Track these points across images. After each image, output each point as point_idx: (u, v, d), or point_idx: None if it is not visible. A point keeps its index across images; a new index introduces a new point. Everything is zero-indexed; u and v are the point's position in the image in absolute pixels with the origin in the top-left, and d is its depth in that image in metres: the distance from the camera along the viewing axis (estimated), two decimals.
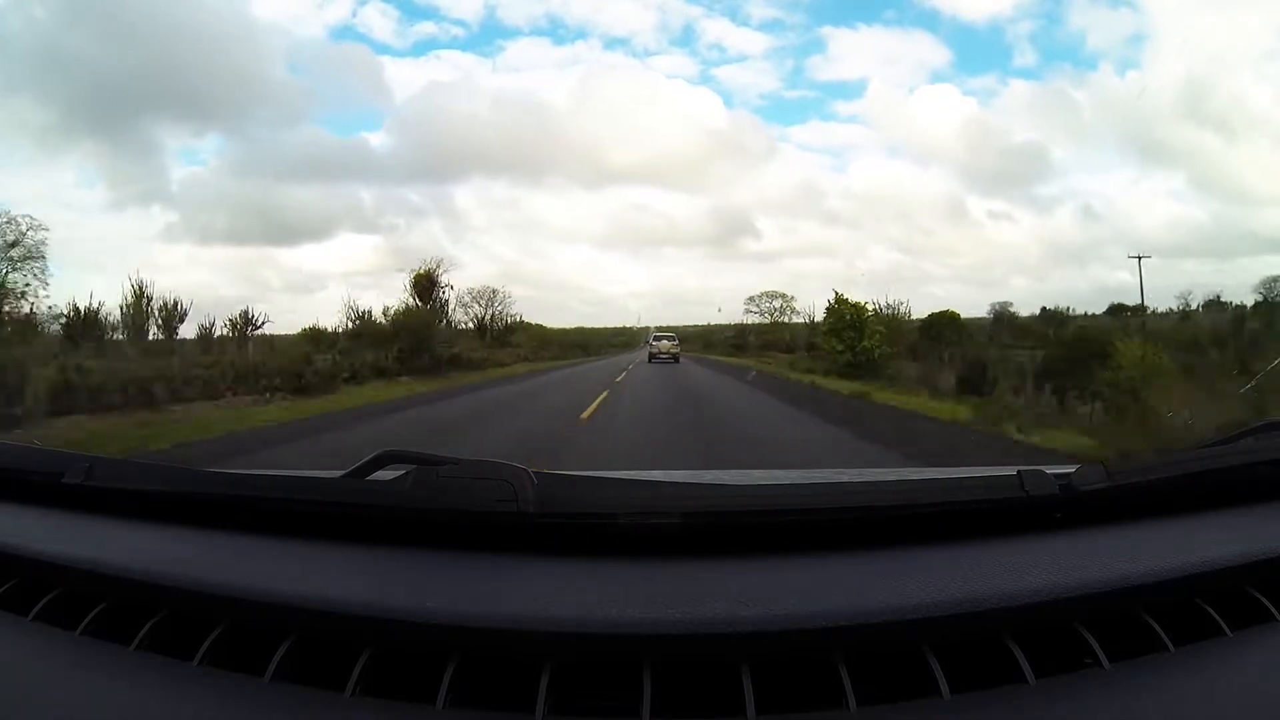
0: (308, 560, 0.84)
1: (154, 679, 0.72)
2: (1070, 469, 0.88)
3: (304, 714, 0.67)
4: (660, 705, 0.65)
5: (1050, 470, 0.87)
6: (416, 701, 0.67)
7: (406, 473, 0.85)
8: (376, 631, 0.71)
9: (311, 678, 0.70)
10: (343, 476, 0.90)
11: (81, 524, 0.97)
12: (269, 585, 0.77)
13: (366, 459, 0.89)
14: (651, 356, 32.81)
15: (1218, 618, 0.75)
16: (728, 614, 0.69)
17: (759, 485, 1.11)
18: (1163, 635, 0.72)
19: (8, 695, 0.71)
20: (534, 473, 0.81)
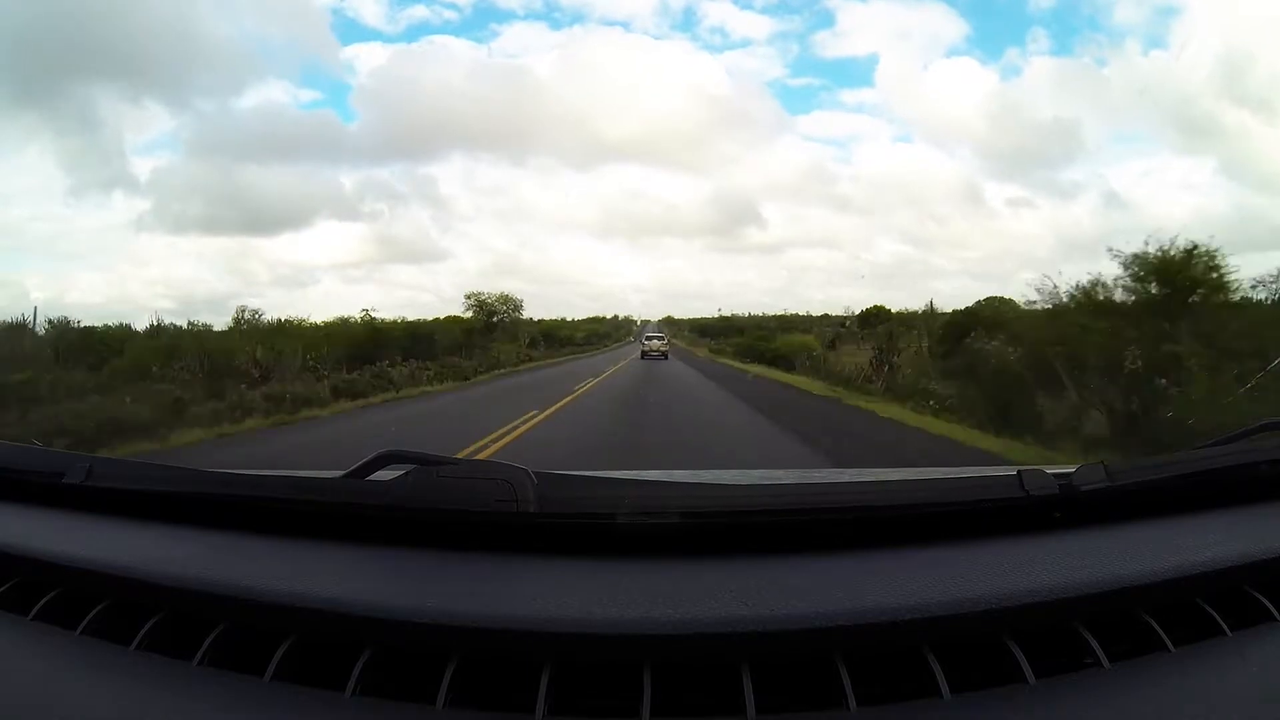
0: (308, 560, 0.84)
1: (154, 679, 0.72)
2: (1070, 469, 0.88)
3: (304, 714, 0.67)
4: (660, 705, 0.65)
5: (1050, 470, 0.87)
6: (416, 701, 0.67)
7: (406, 473, 0.85)
8: (376, 631, 0.71)
9: (311, 678, 0.70)
10: (343, 476, 0.90)
11: (81, 524, 0.97)
12: (269, 585, 0.77)
13: (367, 459, 0.89)
14: (644, 354, 36.15)
15: (1218, 618, 0.75)
16: (728, 614, 0.68)
17: (758, 485, 1.11)
18: (1162, 635, 0.72)
19: (8, 695, 0.71)
20: (534, 473, 0.81)
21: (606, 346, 62.61)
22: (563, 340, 54.69)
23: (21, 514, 1.02)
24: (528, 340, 43.63)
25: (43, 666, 0.76)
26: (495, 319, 45.26)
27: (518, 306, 48.28)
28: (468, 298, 46.12)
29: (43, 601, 0.84)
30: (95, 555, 0.86)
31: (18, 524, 0.98)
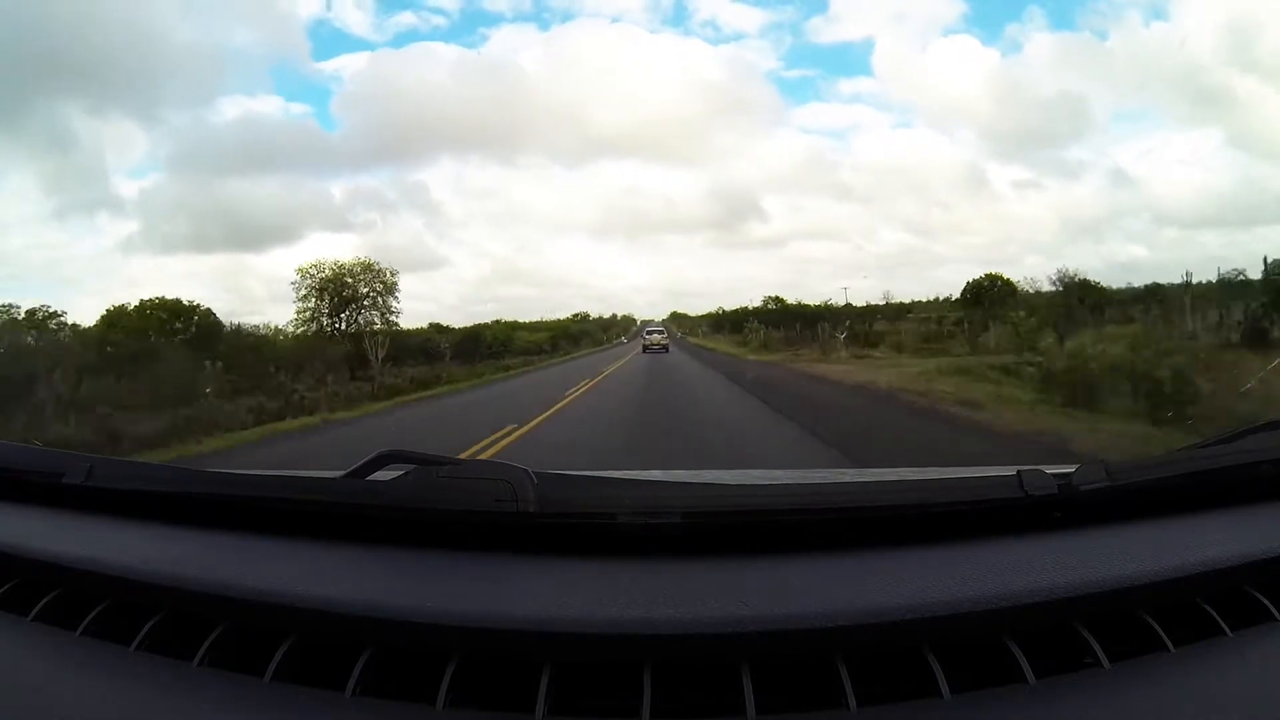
0: (308, 560, 0.84)
1: (154, 679, 0.72)
2: (1070, 468, 0.88)
3: (304, 714, 0.67)
4: (660, 705, 0.65)
5: (1050, 470, 0.87)
6: (416, 701, 0.67)
7: (406, 473, 0.85)
8: (377, 631, 0.71)
9: (311, 678, 0.70)
10: (343, 476, 0.90)
11: (81, 524, 0.97)
12: (269, 585, 0.77)
13: (367, 459, 0.89)
14: (645, 348, 36.19)
15: (1218, 618, 0.75)
16: (728, 614, 0.69)
17: (759, 485, 1.11)
18: (1163, 635, 0.72)
19: (8, 695, 0.71)
20: (534, 472, 0.81)
21: (561, 357, 39.64)
22: (494, 350, 35.12)
23: (21, 514, 1.02)
24: (382, 351, 23.48)
25: (43, 667, 0.76)
26: (348, 319, 26.18)
27: (389, 286, 27.28)
28: (300, 273, 26.49)
29: (43, 602, 0.84)
30: (95, 555, 0.86)
31: (18, 524, 0.98)
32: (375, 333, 26.25)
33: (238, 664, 0.72)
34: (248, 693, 0.69)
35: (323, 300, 26.77)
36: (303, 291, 26.89)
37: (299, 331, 26.53)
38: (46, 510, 1.02)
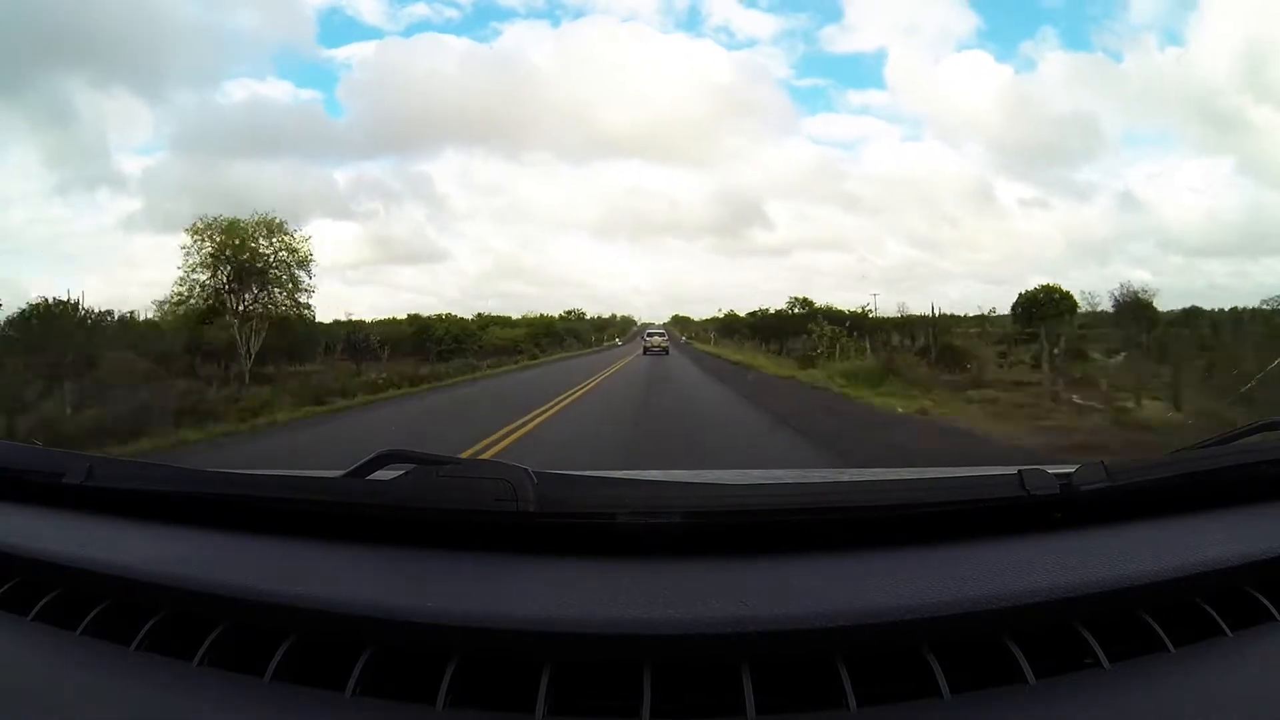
0: (308, 560, 0.84)
1: (154, 679, 0.72)
2: (1070, 468, 0.88)
3: (304, 714, 0.67)
4: (660, 705, 0.65)
5: (1051, 470, 0.87)
6: (416, 701, 0.67)
7: (407, 472, 0.85)
8: (377, 631, 0.71)
9: (311, 678, 0.70)
10: (343, 476, 0.90)
11: (81, 524, 0.97)
12: (269, 585, 0.77)
13: (367, 458, 0.89)
14: (646, 350, 37.22)
15: (1218, 618, 0.75)
16: (727, 614, 0.68)
17: (759, 485, 1.11)
18: (1163, 635, 0.72)
19: (8, 695, 0.71)
20: (534, 472, 0.81)
21: (522, 364, 30.82)
22: (445, 348, 29.41)
23: (21, 514, 1.02)
24: (256, 343, 19.22)
25: (43, 666, 0.76)
26: (251, 298, 20.24)
27: (302, 258, 21.02)
28: (192, 234, 20.19)
29: (43, 602, 0.84)
30: (95, 555, 0.86)
31: (18, 524, 0.98)
32: (249, 318, 19.81)
33: (238, 664, 0.72)
34: (248, 693, 0.69)
35: (218, 273, 20.37)
36: (193, 259, 20.35)
37: (175, 311, 20.29)
38: (46, 510, 1.01)
